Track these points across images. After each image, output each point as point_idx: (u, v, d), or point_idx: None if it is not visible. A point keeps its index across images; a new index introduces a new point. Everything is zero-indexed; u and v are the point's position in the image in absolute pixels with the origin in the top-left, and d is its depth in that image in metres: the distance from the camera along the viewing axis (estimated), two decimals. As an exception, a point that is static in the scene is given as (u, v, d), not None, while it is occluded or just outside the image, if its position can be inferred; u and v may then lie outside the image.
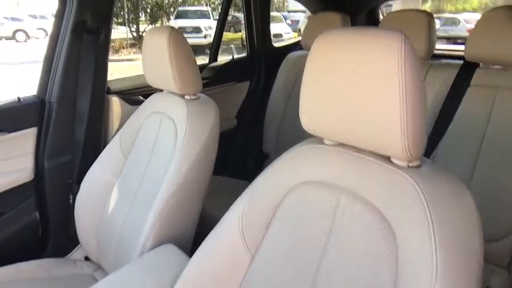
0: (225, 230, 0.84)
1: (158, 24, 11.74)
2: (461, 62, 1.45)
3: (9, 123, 1.29)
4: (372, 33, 0.62)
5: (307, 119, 0.73)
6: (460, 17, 10.45)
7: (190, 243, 1.18)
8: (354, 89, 0.63)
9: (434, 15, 1.56)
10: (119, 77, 1.70)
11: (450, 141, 1.34)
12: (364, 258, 0.65)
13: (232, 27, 12.29)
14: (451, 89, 1.39)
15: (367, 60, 0.61)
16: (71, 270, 1.26)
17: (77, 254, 1.41)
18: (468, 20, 9.75)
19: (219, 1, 13.20)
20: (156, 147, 1.20)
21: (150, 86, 1.29)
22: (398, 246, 0.61)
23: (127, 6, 11.16)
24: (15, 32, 12.26)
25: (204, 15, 11.41)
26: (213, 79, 1.96)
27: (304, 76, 0.71)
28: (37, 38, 11.85)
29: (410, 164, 0.65)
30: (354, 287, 0.65)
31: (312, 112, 0.72)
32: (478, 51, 1.31)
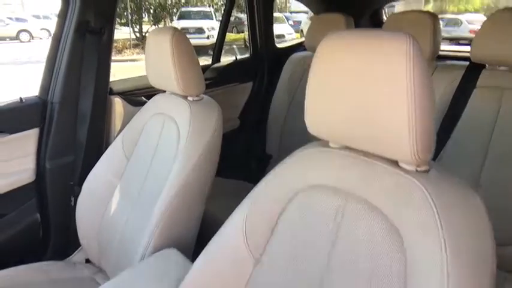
0: (228, 234, 0.82)
1: (161, 25, 11.77)
2: (467, 63, 1.43)
3: (11, 124, 1.28)
4: (379, 35, 0.61)
5: (313, 122, 0.72)
6: (462, 17, 10.42)
7: (193, 245, 1.17)
8: (360, 92, 0.62)
9: (436, 16, 1.55)
10: (122, 77, 1.70)
11: (456, 144, 1.32)
12: (371, 265, 0.63)
13: (234, 28, 12.30)
14: (456, 90, 1.37)
15: (374, 63, 0.60)
16: (71, 273, 1.25)
17: (78, 256, 1.40)
18: (470, 21, 9.72)
19: (221, 2, 13.23)
20: (158, 148, 1.19)
21: (152, 87, 1.28)
22: (406, 252, 0.60)
23: (130, 6, 11.19)
24: (19, 32, 12.33)
25: (206, 16, 11.43)
26: (216, 80, 1.95)
27: (310, 78, 0.70)
28: (41, 38, 11.90)
29: (418, 169, 0.64)
30: None
31: (317, 114, 0.70)
32: (484, 52, 1.30)
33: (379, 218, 0.64)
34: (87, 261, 1.35)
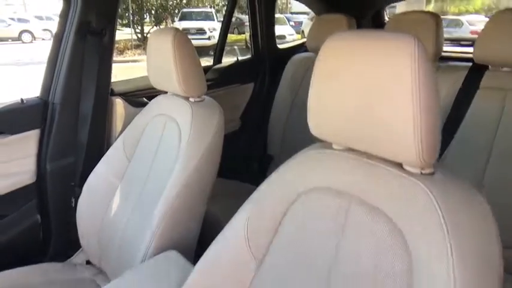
0: (230, 236, 0.82)
1: (163, 26, 11.78)
2: (469, 64, 1.43)
3: (11, 125, 1.28)
4: (384, 36, 0.60)
5: (316, 123, 0.71)
6: (463, 18, 10.41)
7: (194, 247, 1.17)
8: (364, 93, 0.61)
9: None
10: (123, 78, 1.69)
11: (459, 145, 1.32)
12: (375, 268, 0.63)
13: (236, 29, 12.31)
14: (459, 91, 1.37)
15: (379, 64, 0.59)
16: (71, 274, 1.24)
17: (78, 257, 1.40)
18: (471, 22, 9.71)
19: (223, 3, 13.24)
20: (159, 149, 1.19)
21: (154, 88, 1.28)
22: (411, 255, 0.59)
23: (132, 7, 11.21)
24: (21, 33, 12.36)
25: (208, 16, 11.45)
26: (218, 81, 1.94)
27: (313, 79, 0.69)
28: (43, 39, 11.92)
29: (423, 171, 0.63)
30: None
31: (320, 116, 0.70)
32: (487, 53, 1.29)
33: (383, 220, 0.63)
34: (88, 262, 1.34)
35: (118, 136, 1.36)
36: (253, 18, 2.14)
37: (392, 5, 2.69)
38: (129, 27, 11.28)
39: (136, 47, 11.01)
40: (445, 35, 1.56)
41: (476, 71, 1.36)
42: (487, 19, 1.35)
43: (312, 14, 2.39)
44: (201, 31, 10.43)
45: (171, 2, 12.70)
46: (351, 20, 1.81)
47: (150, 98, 1.35)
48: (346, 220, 0.68)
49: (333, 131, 0.70)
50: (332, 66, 0.66)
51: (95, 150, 1.40)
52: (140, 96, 1.59)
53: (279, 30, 2.37)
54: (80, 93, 1.38)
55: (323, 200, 0.71)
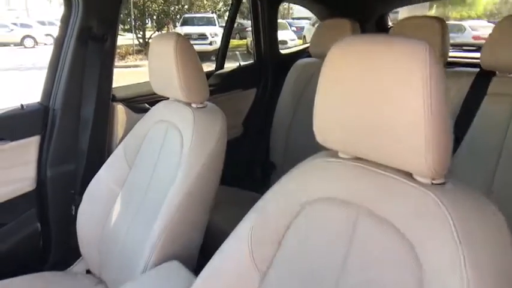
0: (233, 247, 0.79)
1: (164, 31, 11.82)
2: (476, 70, 1.41)
3: (11, 131, 1.26)
4: (394, 41, 0.58)
5: (321, 131, 0.69)
6: (465, 24, 10.42)
7: (196, 257, 1.14)
8: (373, 100, 0.59)
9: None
10: (125, 83, 1.68)
11: (467, 152, 1.29)
12: (384, 281, 0.60)
13: (237, 34, 12.34)
14: (466, 97, 1.35)
15: (388, 70, 0.57)
16: (71, 284, 1.22)
17: (78, 266, 1.38)
18: (474, 27, 9.71)
19: (224, 8, 13.30)
20: (161, 156, 1.17)
21: (155, 94, 1.26)
22: (422, 268, 0.57)
23: (134, 12, 11.26)
24: (23, 38, 12.43)
25: (209, 22, 11.48)
26: (220, 86, 1.93)
27: (319, 85, 0.67)
28: (45, 44, 11.98)
29: (434, 181, 0.61)
30: None
31: (326, 123, 0.68)
32: (495, 59, 1.28)
33: (393, 233, 0.61)
34: (88, 271, 1.32)
35: (119, 142, 1.34)
36: (256, 23, 2.13)
37: (395, 10, 2.68)
38: (131, 32, 11.33)
39: (138, 52, 11.04)
40: (448, 41, 1.54)
41: (484, 77, 1.34)
42: (490, 24, 1.34)
43: (314, 19, 2.38)
44: (202, 36, 10.46)
45: (172, 8, 12.76)
46: (355, 25, 1.79)
47: (152, 103, 1.34)
48: (354, 231, 0.66)
49: (340, 139, 0.67)
50: (339, 72, 0.64)
51: (95, 157, 1.38)
52: (142, 102, 1.57)
53: (280, 35, 2.35)
54: (81, 98, 1.36)
55: (330, 211, 0.69)
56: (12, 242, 1.30)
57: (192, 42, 1.16)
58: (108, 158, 1.28)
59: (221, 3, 13.96)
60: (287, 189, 0.76)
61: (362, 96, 0.60)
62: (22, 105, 1.30)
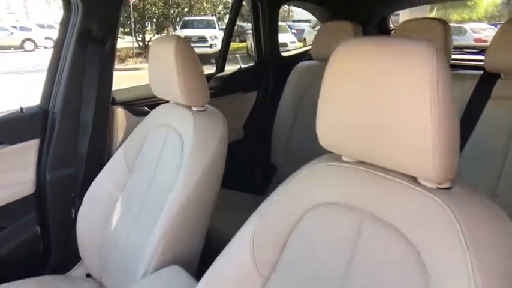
0: (235, 252, 0.78)
1: (164, 34, 11.84)
2: (480, 72, 1.40)
3: (10, 135, 1.25)
4: (399, 43, 0.57)
5: (324, 134, 0.68)
6: (466, 26, 10.44)
7: (197, 262, 1.13)
8: (378, 103, 0.58)
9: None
10: (124, 86, 1.67)
11: (471, 155, 1.28)
12: (390, 286, 0.59)
13: (237, 37, 12.35)
14: (470, 100, 1.34)
15: (394, 72, 0.56)
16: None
17: (78, 270, 1.37)
18: (475, 30, 9.72)
19: (224, 11, 13.32)
20: (161, 160, 1.16)
21: (155, 97, 1.25)
22: (428, 273, 0.56)
23: (133, 15, 11.28)
24: (23, 41, 12.46)
25: (209, 24, 11.49)
26: (220, 89, 1.92)
27: (322, 88, 0.66)
28: (45, 47, 12.00)
29: (440, 186, 0.60)
30: None
31: (329, 126, 0.67)
32: (499, 61, 1.27)
33: (399, 238, 0.60)
34: (88, 275, 1.31)
35: (119, 146, 1.33)
36: (257, 25, 2.12)
37: (396, 12, 2.67)
38: (131, 35, 11.34)
39: (138, 55, 11.05)
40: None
41: (488, 80, 1.33)
42: (491, 27, 1.33)
43: (314, 21, 2.38)
44: (202, 39, 10.47)
45: (172, 10, 12.78)
46: (357, 27, 1.78)
47: (152, 107, 1.33)
48: (359, 236, 0.65)
49: (343, 143, 0.66)
50: (343, 74, 0.63)
51: (95, 160, 1.37)
52: (142, 105, 1.56)
53: (281, 38, 2.34)
54: (80, 102, 1.35)
55: (333, 216, 0.68)
56: (12, 246, 1.29)
57: (191, 45, 1.15)
58: (107, 161, 1.28)
59: (221, 6, 14.00)
60: (290, 193, 0.75)
61: (366, 99, 0.59)
62: (21, 109, 1.29)
